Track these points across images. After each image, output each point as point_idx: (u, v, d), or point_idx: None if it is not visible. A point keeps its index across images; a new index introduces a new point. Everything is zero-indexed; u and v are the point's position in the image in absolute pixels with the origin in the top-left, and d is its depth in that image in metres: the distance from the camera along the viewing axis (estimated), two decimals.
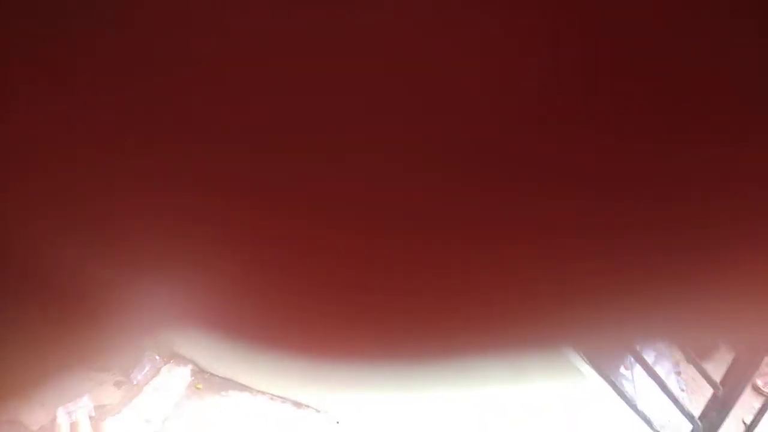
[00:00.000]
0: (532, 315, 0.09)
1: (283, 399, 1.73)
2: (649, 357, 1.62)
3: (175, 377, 1.67)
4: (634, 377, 1.68)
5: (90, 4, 0.07)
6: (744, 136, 0.07)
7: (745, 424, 1.85)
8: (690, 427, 1.58)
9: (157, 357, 1.62)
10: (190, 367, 1.70)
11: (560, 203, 0.08)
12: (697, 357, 1.60)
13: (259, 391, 1.73)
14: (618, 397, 1.55)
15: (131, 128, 0.07)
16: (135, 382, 1.53)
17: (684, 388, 1.79)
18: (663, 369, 1.74)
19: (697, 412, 1.61)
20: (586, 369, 1.70)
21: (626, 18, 0.06)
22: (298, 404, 1.72)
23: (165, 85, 0.07)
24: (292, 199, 0.08)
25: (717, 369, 1.62)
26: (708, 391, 1.63)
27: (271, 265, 0.09)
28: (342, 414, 1.72)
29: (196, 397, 1.65)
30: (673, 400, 1.53)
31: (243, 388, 1.73)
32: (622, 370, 1.68)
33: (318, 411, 1.71)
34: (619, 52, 0.06)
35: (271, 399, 1.74)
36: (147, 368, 1.59)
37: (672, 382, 1.74)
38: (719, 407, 1.65)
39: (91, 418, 1.12)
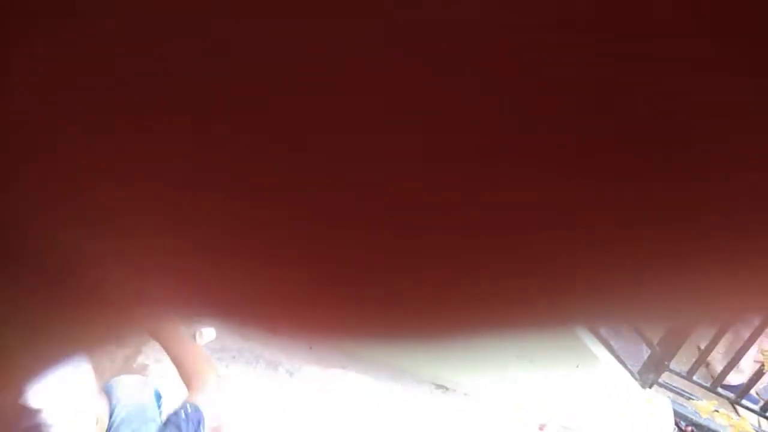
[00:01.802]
0: (543, 293, 0.09)
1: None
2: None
3: None
4: None
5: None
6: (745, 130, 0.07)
7: (699, 349, 1.92)
8: None
9: None
10: None
11: (568, 188, 0.08)
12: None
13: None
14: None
15: (137, 119, 0.07)
16: None
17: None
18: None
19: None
20: (600, 351, 1.73)
21: (630, 17, 0.06)
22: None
23: (169, 75, 0.07)
24: (297, 188, 0.08)
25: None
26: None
27: (273, 251, 0.09)
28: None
29: None
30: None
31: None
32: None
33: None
34: (620, 49, 0.06)
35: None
36: None
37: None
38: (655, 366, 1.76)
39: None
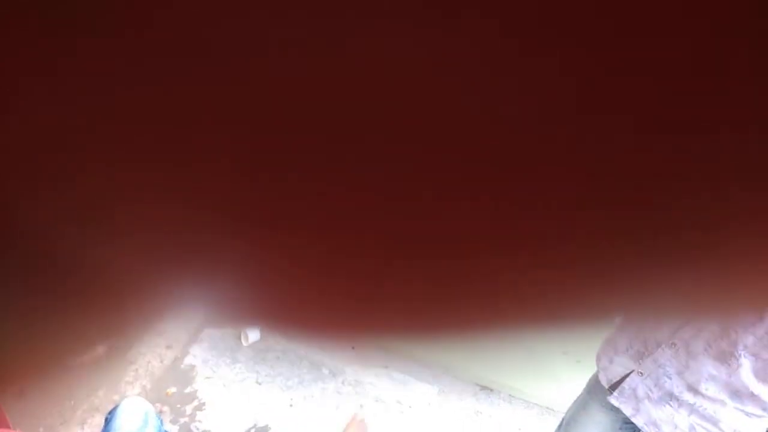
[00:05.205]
0: (580, 286, 0.10)
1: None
2: None
3: None
4: None
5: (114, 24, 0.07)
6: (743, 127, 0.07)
7: None
8: None
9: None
10: None
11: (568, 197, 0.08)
12: None
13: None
14: None
15: (157, 126, 0.08)
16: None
17: None
18: None
19: None
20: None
21: (625, 18, 0.06)
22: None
23: (189, 82, 0.07)
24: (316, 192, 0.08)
25: None
26: None
27: (317, 262, 0.09)
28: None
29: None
30: None
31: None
32: None
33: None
34: (619, 52, 0.06)
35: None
36: None
37: None
38: None
39: None
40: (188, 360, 1.79)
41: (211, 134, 0.08)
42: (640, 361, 0.94)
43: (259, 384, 1.74)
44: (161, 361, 1.75)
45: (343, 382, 1.82)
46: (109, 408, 1.20)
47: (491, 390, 1.91)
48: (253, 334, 1.88)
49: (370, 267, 0.09)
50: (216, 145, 0.08)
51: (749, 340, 0.79)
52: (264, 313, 0.11)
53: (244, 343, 1.88)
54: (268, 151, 0.08)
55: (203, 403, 1.63)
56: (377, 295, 0.10)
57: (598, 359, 1.05)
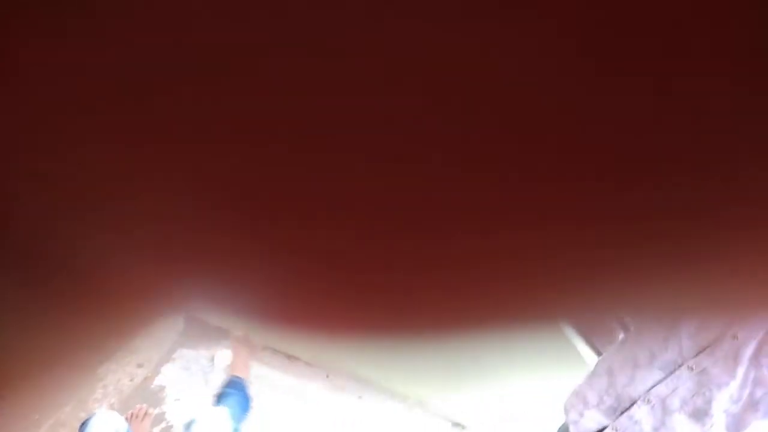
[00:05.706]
0: (528, 292, 0.10)
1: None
2: None
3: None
4: None
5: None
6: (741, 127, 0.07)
7: None
8: None
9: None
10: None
11: (560, 191, 0.08)
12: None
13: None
14: None
15: (158, 129, 0.08)
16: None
17: None
18: None
19: None
20: (584, 349, 1.66)
21: (638, 13, 0.06)
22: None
23: (193, 86, 0.07)
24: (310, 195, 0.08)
25: None
26: None
27: (286, 254, 0.09)
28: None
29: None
30: None
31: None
32: None
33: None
34: (625, 50, 0.06)
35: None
36: None
37: None
38: None
39: None
40: (159, 380, 1.74)
41: (208, 133, 0.07)
42: (614, 416, 0.94)
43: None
44: (131, 380, 1.70)
45: (316, 410, 1.79)
46: (76, 425, 1.17)
47: (464, 427, 1.89)
48: (223, 357, 1.84)
49: (370, 257, 0.10)
50: (214, 143, 0.08)
51: (724, 397, 0.80)
52: (251, 309, 0.11)
53: (217, 366, 1.84)
54: (267, 151, 0.08)
55: (170, 426, 1.58)
56: (365, 291, 0.10)
57: (567, 412, 1.05)
